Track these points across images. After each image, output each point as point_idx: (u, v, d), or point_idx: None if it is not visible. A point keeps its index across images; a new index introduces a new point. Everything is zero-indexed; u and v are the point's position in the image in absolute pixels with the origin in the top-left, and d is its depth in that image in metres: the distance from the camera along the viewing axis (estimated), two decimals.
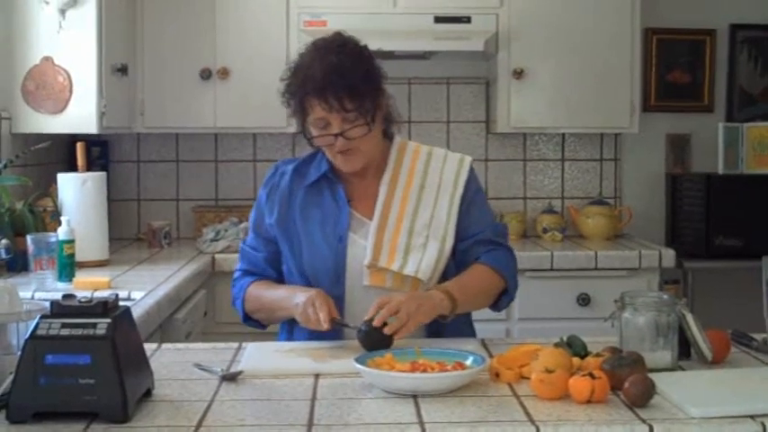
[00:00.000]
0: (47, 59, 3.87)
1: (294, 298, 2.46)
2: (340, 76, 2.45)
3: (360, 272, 2.54)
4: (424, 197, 2.61)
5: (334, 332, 2.41)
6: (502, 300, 2.62)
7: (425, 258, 2.54)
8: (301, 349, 2.36)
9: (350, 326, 2.37)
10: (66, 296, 1.89)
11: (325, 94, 2.44)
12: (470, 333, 2.67)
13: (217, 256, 4.22)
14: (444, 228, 2.59)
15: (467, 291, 2.49)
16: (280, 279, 2.65)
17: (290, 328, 2.61)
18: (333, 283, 2.54)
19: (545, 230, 4.76)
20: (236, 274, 2.71)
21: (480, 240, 2.60)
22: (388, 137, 2.66)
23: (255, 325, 2.68)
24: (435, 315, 2.41)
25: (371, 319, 2.29)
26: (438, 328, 2.54)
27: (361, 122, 2.48)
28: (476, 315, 2.72)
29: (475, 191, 2.66)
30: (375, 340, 2.26)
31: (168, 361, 2.26)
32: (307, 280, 2.56)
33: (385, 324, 2.28)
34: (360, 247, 2.56)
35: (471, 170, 2.67)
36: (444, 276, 2.57)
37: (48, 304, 1.88)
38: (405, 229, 2.57)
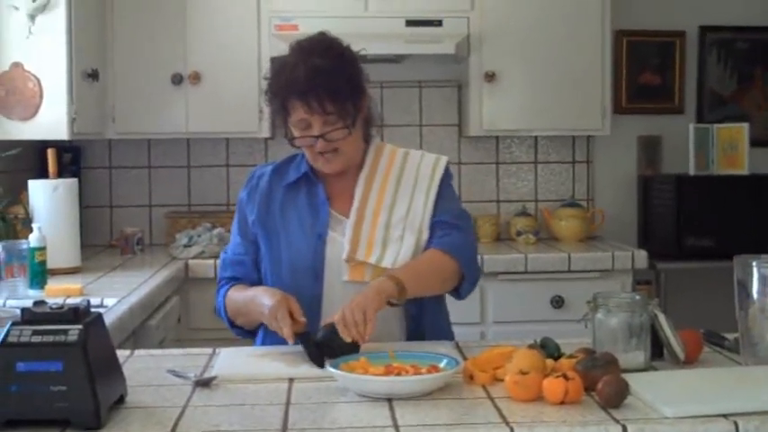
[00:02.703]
0: (16, 65, 3.83)
1: (261, 303, 2.43)
2: (323, 78, 2.46)
3: (338, 269, 2.55)
4: (400, 191, 2.63)
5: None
6: (462, 285, 2.58)
7: (403, 251, 2.55)
8: (275, 354, 2.35)
9: (313, 336, 2.34)
10: (38, 303, 1.88)
11: (307, 97, 2.46)
12: (449, 336, 2.66)
13: (190, 261, 4.21)
14: (420, 220, 2.59)
15: (414, 273, 2.46)
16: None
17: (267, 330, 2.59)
18: (312, 282, 2.54)
19: (518, 233, 4.78)
20: (220, 284, 2.68)
21: (437, 222, 2.59)
22: (365, 139, 2.67)
23: (242, 332, 2.65)
24: (382, 301, 2.35)
25: (328, 334, 2.28)
26: (418, 332, 2.55)
27: (341, 125, 2.50)
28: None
29: (447, 185, 2.67)
30: (339, 348, 2.25)
31: (141, 367, 2.25)
32: (284, 280, 2.55)
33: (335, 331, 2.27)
34: (338, 245, 2.56)
35: (447, 167, 2.69)
36: None
37: (19, 311, 1.86)
38: (381, 223, 2.58)
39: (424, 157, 2.70)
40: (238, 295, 2.58)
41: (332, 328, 2.28)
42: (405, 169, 2.66)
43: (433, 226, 2.59)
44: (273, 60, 2.59)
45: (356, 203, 2.60)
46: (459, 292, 2.60)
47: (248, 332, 2.65)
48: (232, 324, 2.64)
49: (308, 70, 2.46)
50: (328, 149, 2.52)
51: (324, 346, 2.27)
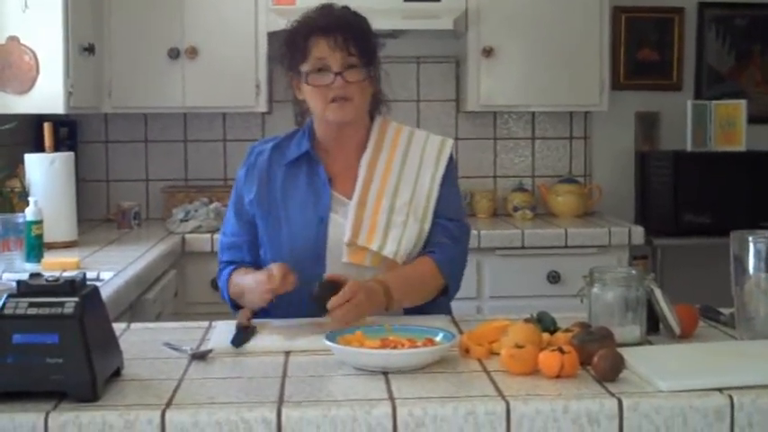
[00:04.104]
0: (12, 39, 3.82)
1: (260, 279, 2.45)
2: (349, 24, 2.55)
3: (340, 250, 2.54)
4: (404, 175, 2.61)
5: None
6: (440, 299, 2.60)
7: (405, 239, 2.55)
8: (271, 327, 2.36)
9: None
10: (34, 275, 1.88)
11: (334, 33, 2.51)
12: (448, 311, 2.66)
13: (187, 236, 4.21)
14: (424, 208, 2.59)
15: (405, 290, 2.48)
16: (259, 264, 2.64)
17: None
18: (313, 263, 2.53)
19: (515, 209, 4.78)
20: (220, 267, 2.69)
21: (439, 224, 2.60)
22: (370, 116, 2.67)
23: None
24: (374, 312, 2.38)
25: (322, 291, 2.31)
26: (417, 307, 2.55)
27: (360, 67, 2.52)
28: None
29: (452, 173, 2.67)
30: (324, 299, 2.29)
31: (138, 340, 2.25)
32: (285, 260, 2.53)
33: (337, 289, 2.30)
34: (340, 227, 2.56)
35: (452, 153, 2.68)
36: None
37: (15, 284, 1.86)
38: (385, 207, 2.57)
39: (429, 139, 2.68)
40: (243, 280, 2.57)
41: (328, 286, 2.31)
42: (409, 150, 2.65)
43: (434, 225, 2.59)
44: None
45: (359, 186, 2.59)
46: (433, 302, 2.60)
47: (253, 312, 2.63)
48: (236, 306, 2.62)
49: (335, 16, 2.55)
50: (341, 95, 2.51)
51: (315, 300, 2.31)
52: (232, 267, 2.64)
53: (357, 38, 2.52)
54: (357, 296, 2.30)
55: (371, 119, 2.68)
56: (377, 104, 2.67)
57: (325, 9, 2.59)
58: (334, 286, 2.31)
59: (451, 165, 2.67)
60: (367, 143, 2.64)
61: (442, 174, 2.63)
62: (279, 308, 2.47)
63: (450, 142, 2.69)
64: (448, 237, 2.60)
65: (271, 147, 2.68)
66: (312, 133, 2.65)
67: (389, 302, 2.42)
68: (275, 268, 2.39)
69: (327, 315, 2.30)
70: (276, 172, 2.63)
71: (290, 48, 2.57)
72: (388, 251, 2.53)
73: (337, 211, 2.58)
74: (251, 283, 2.50)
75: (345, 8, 2.61)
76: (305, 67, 2.54)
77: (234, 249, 2.67)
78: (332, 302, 2.28)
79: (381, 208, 2.57)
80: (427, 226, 2.58)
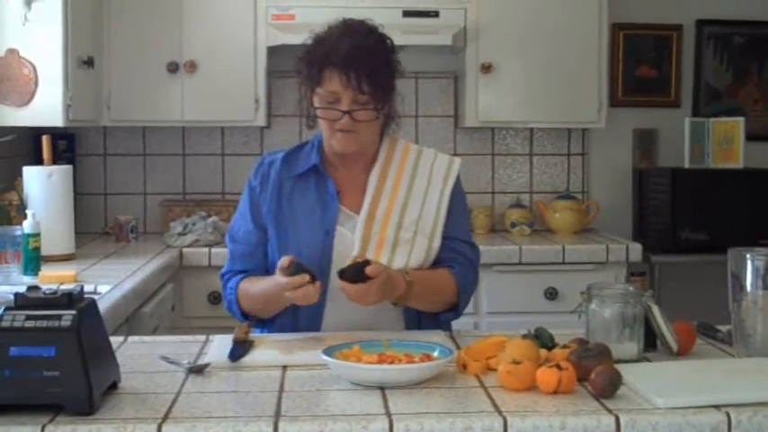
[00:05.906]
0: (12, 52, 3.82)
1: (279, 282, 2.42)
2: (365, 56, 2.47)
3: (345, 264, 2.52)
4: (413, 191, 2.61)
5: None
6: (447, 314, 2.61)
7: (414, 254, 2.55)
8: (269, 341, 2.35)
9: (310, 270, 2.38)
10: (31, 288, 1.88)
11: (347, 69, 2.46)
12: (448, 328, 2.66)
13: (184, 250, 4.20)
14: (433, 225, 2.59)
15: (425, 292, 2.50)
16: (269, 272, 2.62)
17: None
18: (318, 275, 2.51)
19: (513, 225, 4.78)
20: (226, 276, 2.65)
21: (451, 246, 2.60)
22: (381, 133, 2.65)
23: (257, 322, 2.60)
24: (391, 298, 2.44)
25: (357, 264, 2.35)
26: (416, 323, 2.57)
27: (370, 107, 2.50)
28: None
29: (461, 193, 2.67)
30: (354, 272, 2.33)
31: (135, 354, 2.25)
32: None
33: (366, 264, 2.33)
34: (346, 240, 2.55)
35: (459, 173, 2.68)
36: None
37: (12, 297, 1.86)
38: (393, 222, 2.57)
39: (438, 158, 2.68)
40: (254, 287, 2.56)
41: (359, 267, 2.34)
42: (418, 168, 2.65)
43: (447, 245, 2.60)
44: (314, 32, 2.60)
45: (368, 199, 2.59)
46: (438, 315, 2.60)
47: (260, 321, 2.60)
48: (245, 315, 2.59)
49: (352, 45, 2.48)
50: (350, 128, 2.50)
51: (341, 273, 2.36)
52: (241, 276, 2.61)
53: (372, 74, 2.47)
54: (371, 288, 2.33)
55: (381, 135, 2.66)
56: (388, 122, 2.66)
57: (346, 33, 2.52)
58: (362, 268, 2.33)
59: (460, 185, 2.67)
60: (376, 159, 2.64)
61: (450, 190, 2.63)
62: (275, 321, 2.48)
63: (457, 161, 2.69)
64: (464, 257, 2.61)
65: (281, 158, 2.66)
66: (321, 147, 2.65)
67: (406, 296, 2.44)
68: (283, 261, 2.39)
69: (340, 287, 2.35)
70: (285, 184, 2.62)
71: (305, 67, 2.54)
72: (396, 265, 2.52)
73: (344, 224, 2.58)
74: (271, 286, 2.47)
75: (370, 32, 2.56)
76: (318, 93, 2.51)
77: (249, 259, 2.63)
78: (349, 287, 2.32)
79: (390, 223, 2.57)
80: (436, 243, 2.58)
